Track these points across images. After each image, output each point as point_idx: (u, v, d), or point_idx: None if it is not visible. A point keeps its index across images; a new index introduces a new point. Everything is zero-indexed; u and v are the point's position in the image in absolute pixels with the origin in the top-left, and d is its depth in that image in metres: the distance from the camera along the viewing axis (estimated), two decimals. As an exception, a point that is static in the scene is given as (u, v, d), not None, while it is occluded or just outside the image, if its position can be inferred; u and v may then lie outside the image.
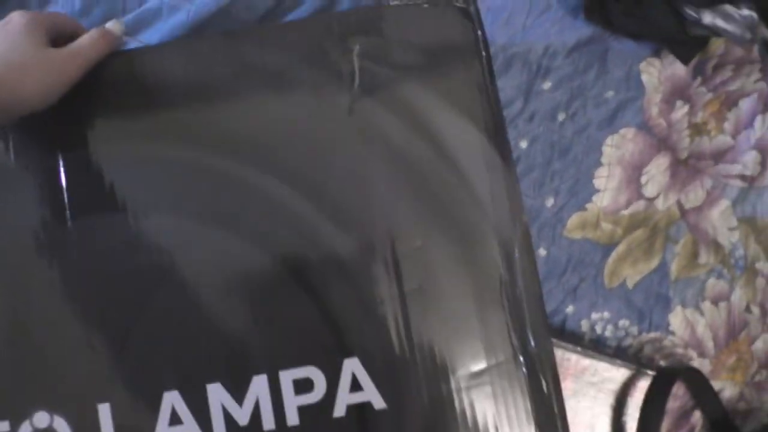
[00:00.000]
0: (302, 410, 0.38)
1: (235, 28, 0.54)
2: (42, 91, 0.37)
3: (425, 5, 0.43)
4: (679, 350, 0.60)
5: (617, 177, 0.60)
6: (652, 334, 0.60)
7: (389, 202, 0.41)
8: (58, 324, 0.39)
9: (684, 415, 0.59)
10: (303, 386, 0.38)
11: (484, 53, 0.42)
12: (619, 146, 0.60)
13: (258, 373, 0.39)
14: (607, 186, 0.60)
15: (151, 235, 0.40)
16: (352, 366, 0.39)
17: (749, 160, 0.61)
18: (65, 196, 0.40)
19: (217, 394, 0.38)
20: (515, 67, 0.59)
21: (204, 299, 0.40)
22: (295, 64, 0.42)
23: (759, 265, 0.62)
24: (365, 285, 0.40)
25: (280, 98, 0.41)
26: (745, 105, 0.61)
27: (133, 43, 0.51)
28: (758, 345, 0.61)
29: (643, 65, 0.60)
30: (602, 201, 0.60)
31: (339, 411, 0.38)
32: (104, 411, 0.38)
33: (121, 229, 0.40)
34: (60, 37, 0.40)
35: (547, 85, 0.59)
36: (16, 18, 0.38)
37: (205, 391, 0.38)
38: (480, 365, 0.39)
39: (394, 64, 0.42)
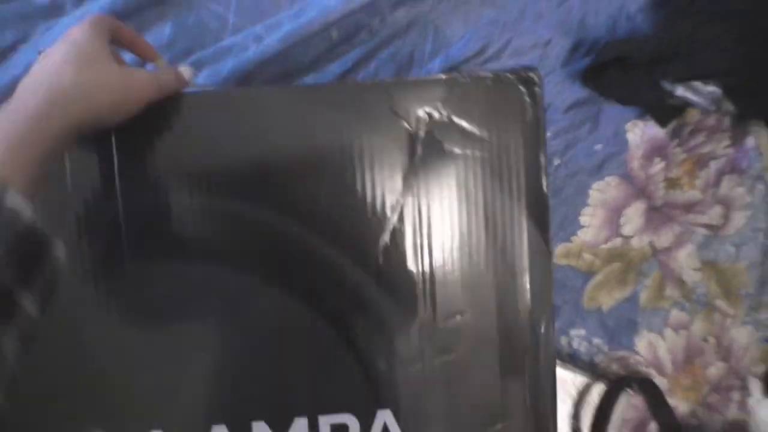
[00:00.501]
0: (337, 452, 0.41)
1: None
2: (115, 108, 0.35)
3: (489, 82, 0.41)
4: (643, 368, 0.66)
5: (600, 217, 0.66)
6: (620, 353, 0.66)
7: (435, 272, 0.41)
8: (122, 354, 0.40)
9: (641, 424, 0.65)
10: (339, 431, 0.41)
11: (540, 132, 0.41)
12: (604, 191, 0.66)
13: (300, 415, 0.40)
14: (590, 223, 0.66)
15: (210, 280, 0.40)
16: (384, 416, 0.41)
17: (714, 212, 0.66)
18: (123, 232, 0.40)
19: (261, 431, 0.40)
20: (521, 118, 0.67)
21: (257, 345, 0.41)
22: (353, 125, 0.40)
23: (717, 303, 0.67)
24: (404, 346, 0.41)
25: (335, 158, 0.41)
26: (715, 166, 0.66)
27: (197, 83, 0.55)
28: (711, 371, 0.67)
29: (628, 125, 0.66)
30: (586, 235, 0.66)
31: (370, 456, 0.41)
32: (157, 436, 0.40)
33: (182, 271, 0.40)
34: (117, 40, 0.38)
35: (546, 134, 0.65)
36: (76, 31, 0.34)
37: (250, 427, 0.40)
38: (496, 425, 0.42)
39: (455, 137, 0.41)
